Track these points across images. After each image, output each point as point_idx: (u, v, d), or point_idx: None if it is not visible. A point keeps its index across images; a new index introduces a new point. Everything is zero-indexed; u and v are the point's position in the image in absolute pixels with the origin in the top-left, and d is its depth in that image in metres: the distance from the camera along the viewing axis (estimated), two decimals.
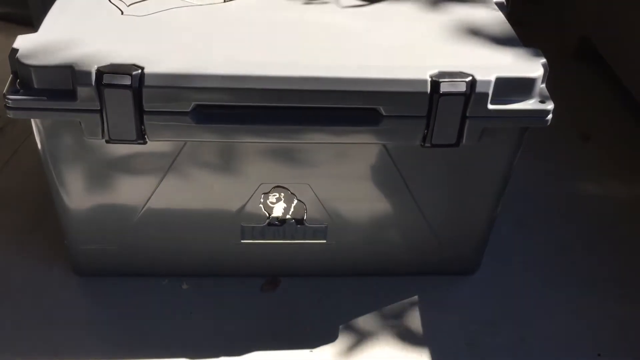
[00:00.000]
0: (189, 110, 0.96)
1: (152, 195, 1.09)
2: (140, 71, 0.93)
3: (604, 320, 1.20)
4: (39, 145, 1.03)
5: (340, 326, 1.16)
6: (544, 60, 1.03)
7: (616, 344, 1.16)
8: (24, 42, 0.98)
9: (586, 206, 1.46)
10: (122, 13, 1.08)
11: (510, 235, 1.36)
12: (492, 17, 1.16)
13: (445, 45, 1.06)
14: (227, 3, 1.14)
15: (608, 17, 1.80)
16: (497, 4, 1.20)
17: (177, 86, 0.95)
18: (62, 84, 0.94)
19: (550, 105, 1.01)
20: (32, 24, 1.70)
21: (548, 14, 2.22)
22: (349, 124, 1.00)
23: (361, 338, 1.14)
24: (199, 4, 1.12)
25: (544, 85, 1.04)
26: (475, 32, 1.10)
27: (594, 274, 1.29)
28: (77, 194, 1.09)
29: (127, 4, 1.10)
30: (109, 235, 1.15)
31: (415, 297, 1.22)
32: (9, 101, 0.94)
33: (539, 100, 1.02)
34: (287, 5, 1.15)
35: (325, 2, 1.16)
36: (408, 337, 1.15)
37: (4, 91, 0.95)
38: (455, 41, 1.07)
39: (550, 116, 1.02)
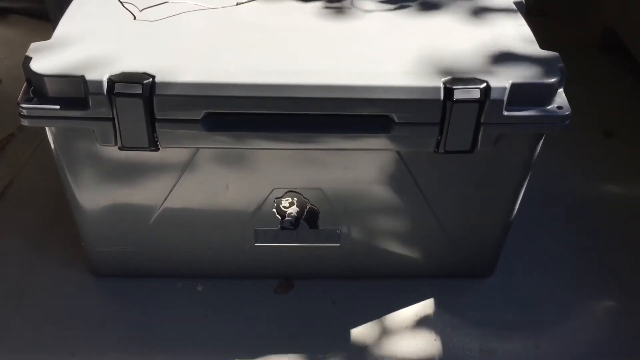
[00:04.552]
0: (200, 118, 0.96)
1: (166, 198, 1.09)
2: (151, 80, 0.93)
3: (624, 327, 1.18)
4: (54, 151, 1.04)
5: (353, 329, 1.16)
6: (561, 64, 1.00)
7: (636, 351, 1.14)
8: (37, 50, 0.98)
9: (607, 206, 1.43)
10: (135, 18, 1.07)
11: (527, 236, 1.34)
12: (510, 18, 1.13)
13: (459, 49, 1.04)
14: (239, 6, 1.13)
15: (634, 8, 1.75)
16: (515, 3, 1.17)
17: (188, 95, 0.94)
18: (75, 93, 0.95)
19: (567, 111, 0.99)
20: (49, 18, 1.71)
21: (571, 4, 2.17)
22: (360, 131, 0.99)
23: (374, 341, 1.14)
24: (212, 7, 1.11)
25: (561, 90, 1.01)
26: (491, 35, 1.07)
27: (614, 278, 1.27)
28: (92, 198, 1.10)
29: (140, 9, 1.09)
30: (124, 238, 1.16)
31: (430, 301, 1.21)
32: (23, 110, 0.95)
33: (556, 106, 0.99)
34: (301, 9, 1.14)
35: (340, 7, 1.15)
36: (422, 341, 1.14)
37: (18, 100, 0.95)
38: (470, 45, 1.05)
39: (567, 122, 1.00)
